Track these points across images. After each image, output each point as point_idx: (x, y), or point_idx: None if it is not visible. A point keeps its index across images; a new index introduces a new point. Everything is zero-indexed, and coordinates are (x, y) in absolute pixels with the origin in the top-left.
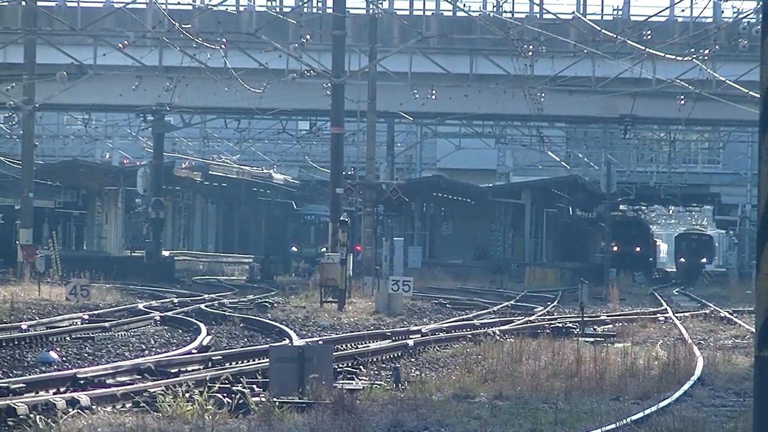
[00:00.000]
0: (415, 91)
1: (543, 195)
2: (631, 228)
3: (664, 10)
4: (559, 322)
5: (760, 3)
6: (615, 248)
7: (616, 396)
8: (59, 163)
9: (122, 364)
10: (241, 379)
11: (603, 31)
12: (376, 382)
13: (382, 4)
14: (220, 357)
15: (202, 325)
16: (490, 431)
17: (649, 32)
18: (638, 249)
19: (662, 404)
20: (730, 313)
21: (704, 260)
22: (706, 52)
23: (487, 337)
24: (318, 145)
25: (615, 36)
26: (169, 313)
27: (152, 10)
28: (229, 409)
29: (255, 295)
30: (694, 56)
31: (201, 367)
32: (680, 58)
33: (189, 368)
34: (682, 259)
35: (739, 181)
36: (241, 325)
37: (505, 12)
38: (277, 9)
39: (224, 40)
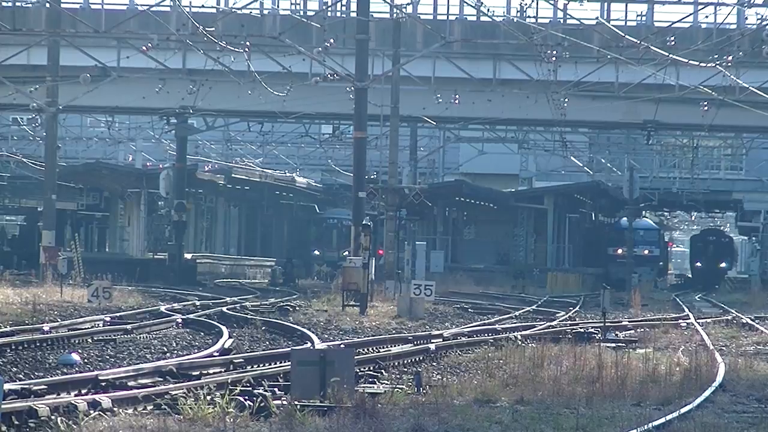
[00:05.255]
0: (438, 95)
1: (565, 200)
2: (639, 230)
3: (687, 16)
4: (580, 328)
5: None
6: (619, 251)
7: (638, 402)
8: (82, 165)
9: (144, 366)
10: (263, 382)
11: (626, 36)
12: (397, 386)
13: (406, 8)
14: (241, 360)
15: (223, 328)
16: None
17: (672, 38)
18: (647, 252)
19: (683, 410)
20: (752, 320)
21: (723, 264)
22: (730, 58)
23: (508, 341)
24: (341, 149)
25: (638, 42)
26: (191, 316)
27: (176, 13)
28: (251, 412)
29: (277, 299)
30: (718, 62)
31: (222, 370)
32: (703, 65)
33: (210, 371)
34: (699, 264)
35: (761, 188)
36: (263, 328)
37: (529, 17)
38: (301, 13)
39: (248, 43)
